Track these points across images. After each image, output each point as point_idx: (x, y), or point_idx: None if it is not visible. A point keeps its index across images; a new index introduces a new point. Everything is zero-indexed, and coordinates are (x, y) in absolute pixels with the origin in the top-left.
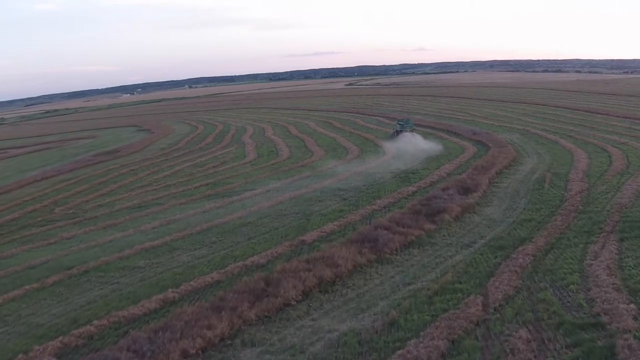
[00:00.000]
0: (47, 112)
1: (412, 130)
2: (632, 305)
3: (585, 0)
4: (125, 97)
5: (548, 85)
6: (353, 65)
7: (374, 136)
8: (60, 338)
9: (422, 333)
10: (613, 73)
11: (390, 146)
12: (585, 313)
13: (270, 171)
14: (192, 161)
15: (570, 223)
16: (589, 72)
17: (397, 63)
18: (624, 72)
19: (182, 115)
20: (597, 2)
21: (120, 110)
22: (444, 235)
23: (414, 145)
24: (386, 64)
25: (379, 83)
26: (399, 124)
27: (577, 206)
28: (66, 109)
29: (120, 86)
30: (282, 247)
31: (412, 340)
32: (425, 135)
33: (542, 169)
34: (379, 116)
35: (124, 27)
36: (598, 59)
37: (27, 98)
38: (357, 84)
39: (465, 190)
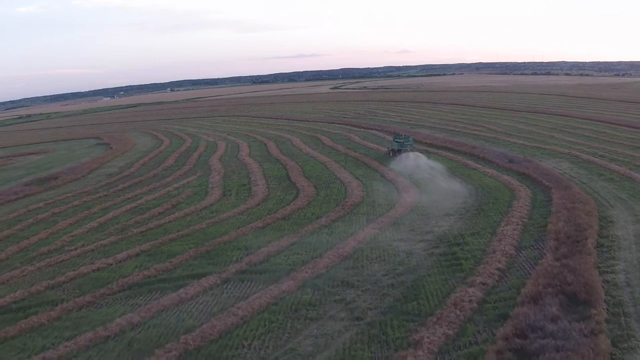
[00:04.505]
0: (20, 117)
1: (412, 150)
2: None
3: (569, 2)
4: (105, 101)
5: (550, 89)
6: (337, 68)
7: (377, 162)
8: None
9: None
10: (604, 76)
11: (405, 183)
12: None
13: (235, 229)
14: (135, 200)
15: None
16: (579, 74)
17: (381, 65)
18: (615, 75)
19: (153, 124)
20: (582, 4)
21: (92, 117)
22: None
23: (436, 180)
24: (370, 67)
25: (366, 86)
26: (397, 141)
27: None
28: (40, 114)
29: (103, 89)
30: None
31: None
32: (445, 162)
33: None
34: (376, 129)
35: (108, 30)
36: (584, 61)
37: (9, 101)
38: (343, 87)
39: (572, 300)
